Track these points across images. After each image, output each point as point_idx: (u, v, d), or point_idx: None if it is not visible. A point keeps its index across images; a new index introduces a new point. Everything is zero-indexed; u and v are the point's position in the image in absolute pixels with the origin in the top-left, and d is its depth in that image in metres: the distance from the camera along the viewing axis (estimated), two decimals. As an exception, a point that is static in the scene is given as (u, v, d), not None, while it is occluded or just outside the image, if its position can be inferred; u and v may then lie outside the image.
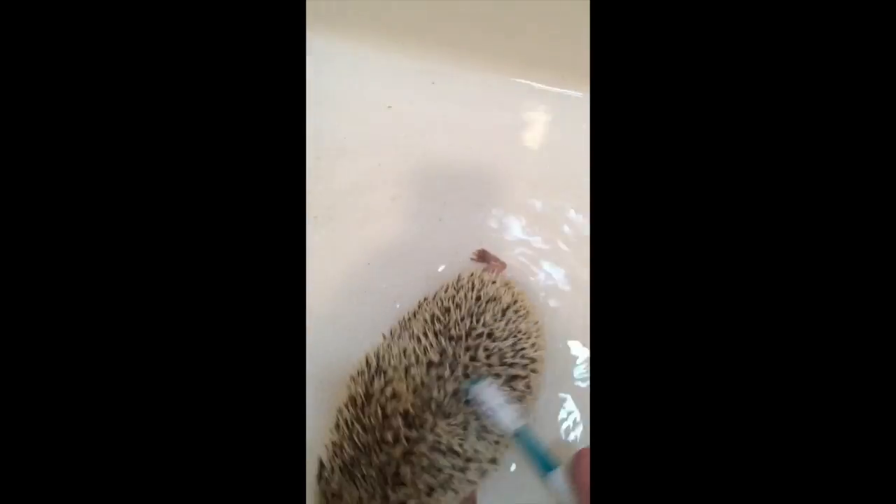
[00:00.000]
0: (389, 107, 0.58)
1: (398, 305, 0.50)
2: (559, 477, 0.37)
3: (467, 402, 0.38)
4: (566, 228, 0.55)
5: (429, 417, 0.37)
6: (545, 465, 0.37)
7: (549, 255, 0.54)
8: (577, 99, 0.58)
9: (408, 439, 0.35)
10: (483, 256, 0.52)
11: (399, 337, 0.43)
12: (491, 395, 0.38)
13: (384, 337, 0.44)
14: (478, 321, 0.42)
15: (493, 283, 0.46)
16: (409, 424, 0.36)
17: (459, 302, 0.43)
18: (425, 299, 0.47)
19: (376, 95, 0.58)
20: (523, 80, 0.59)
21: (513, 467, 0.46)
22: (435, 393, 0.38)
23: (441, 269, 0.53)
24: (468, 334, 0.41)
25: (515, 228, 0.55)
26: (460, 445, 0.37)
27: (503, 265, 0.52)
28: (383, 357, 0.41)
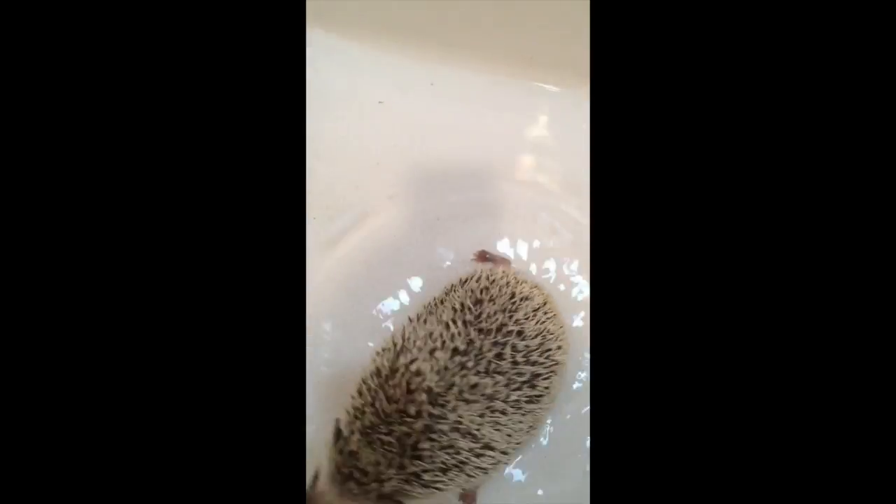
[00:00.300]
0: (385, 103, 0.58)
1: (395, 305, 0.52)
2: None
3: None
4: (565, 229, 0.55)
5: (451, 399, 0.38)
6: None
7: (549, 255, 0.54)
8: (577, 98, 0.57)
9: (430, 415, 0.37)
10: (483, 257, 0.53)
11: (425, 321, 0.44)
12: None
13: (410, 320, 0.45)
14: (510, 318, 0.43)
15: (525, 282, 0.47)
16: (432, 401, 0.38)
17: (494, 296, 0.44)
18: (453, 286, 0.47)
19: (374, 95, 0.58)
20: (522, 80, 0.58)
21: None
22: (457, 380, 0.39)
23: (446, 264, 0.54)
24: (499, 329, 0.42)
25: (514, 228, 0.55)
26: (478, 430, 0.39)
27: (507, 261, 0.53)
28: (408, 338, 0.42)
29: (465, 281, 0.47)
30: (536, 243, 0.55)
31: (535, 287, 0.47)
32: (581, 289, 0.53)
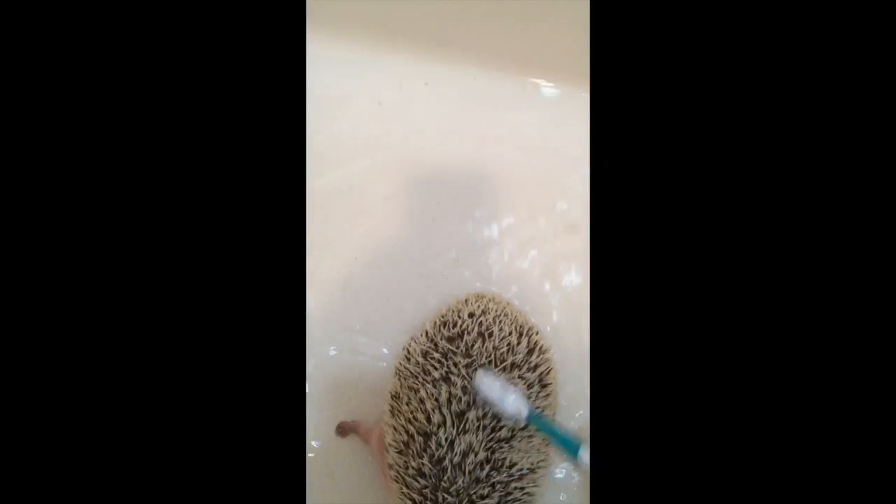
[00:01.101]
0: (380, 104, 0.56)
1: (390, 304, 0.51)
2: (587, 454, 0.35)
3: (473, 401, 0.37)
4: (564, 228, 0.55)
5: (506, 455, 0.36)
6: (569, 445, 0.36)
7: (547, 256, 0.54)
8: (576, 98, 0.58)
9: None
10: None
11: (415, 390, 0.40)
12: (491, 386, 0.37)
13: (393, 397, 0.41)
14: (490, 336, 0.41)
15: (466, 302, 0.45)
16: (495, 468, 0.35)
17: (465, 328, 0.41)
18: (408, 350, 0.44)
19: (369, 95, 0.56)
20: (519, 79, 0.58)
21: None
22: (500, 433, 0.37)
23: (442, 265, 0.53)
24: (494, 356, 0.40)
25: (511, 229, 0.55)
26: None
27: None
28: (417, 419, 0.38)
29: (424, 331, 0.43)
30: (535, 243, 0.54)
31: (481, 298, 0.46)
32: (580, 287, 0.53)
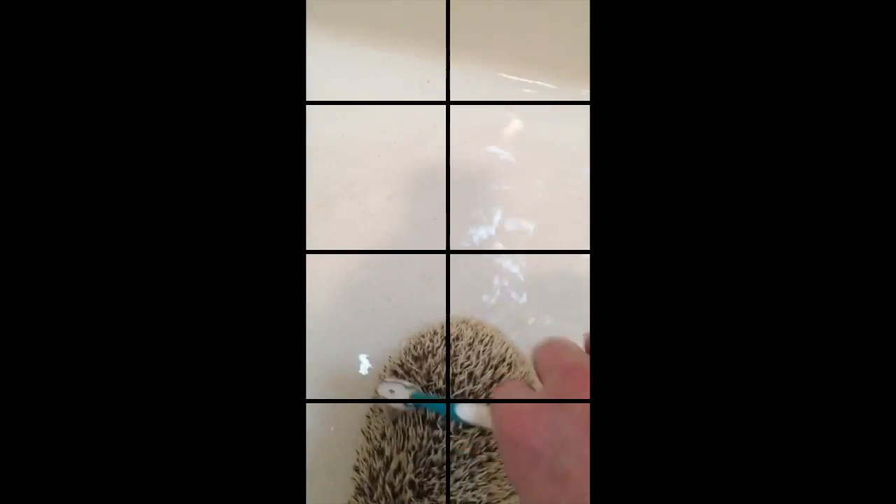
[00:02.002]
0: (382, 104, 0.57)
1: (390, 304, 0.51)
2: (460, 408, 0.36)
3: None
4: (565, 229, 0.55)
5: (434, 482, 0.36)
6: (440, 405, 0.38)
7: (547, 256, 0.54)
8: (577, 98, 0.58)
9: None
10: None
11: (381, 411, 0.42)
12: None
13: (369, 413, 0.43)
14: (454, 363, 0.41)
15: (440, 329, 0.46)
16: (419, 495, 0.36)
17: (430, 349, 0.42)
18: (384, 369, 0.45)
19: (371, 94, 0.57)
20: (520, 80, 0.59)
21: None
22: (433, 455, 0.37)
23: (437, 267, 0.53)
24: (452, 382, 0.40)
25: (512, 228, 0.55)
26: (474, 496, 0.37)
27: None
28: (374, 437, 0.40)
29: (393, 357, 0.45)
30: (535, 242, 0.54)
31: (463, 323, 0.46)
32: (581, 285, 0.53)
